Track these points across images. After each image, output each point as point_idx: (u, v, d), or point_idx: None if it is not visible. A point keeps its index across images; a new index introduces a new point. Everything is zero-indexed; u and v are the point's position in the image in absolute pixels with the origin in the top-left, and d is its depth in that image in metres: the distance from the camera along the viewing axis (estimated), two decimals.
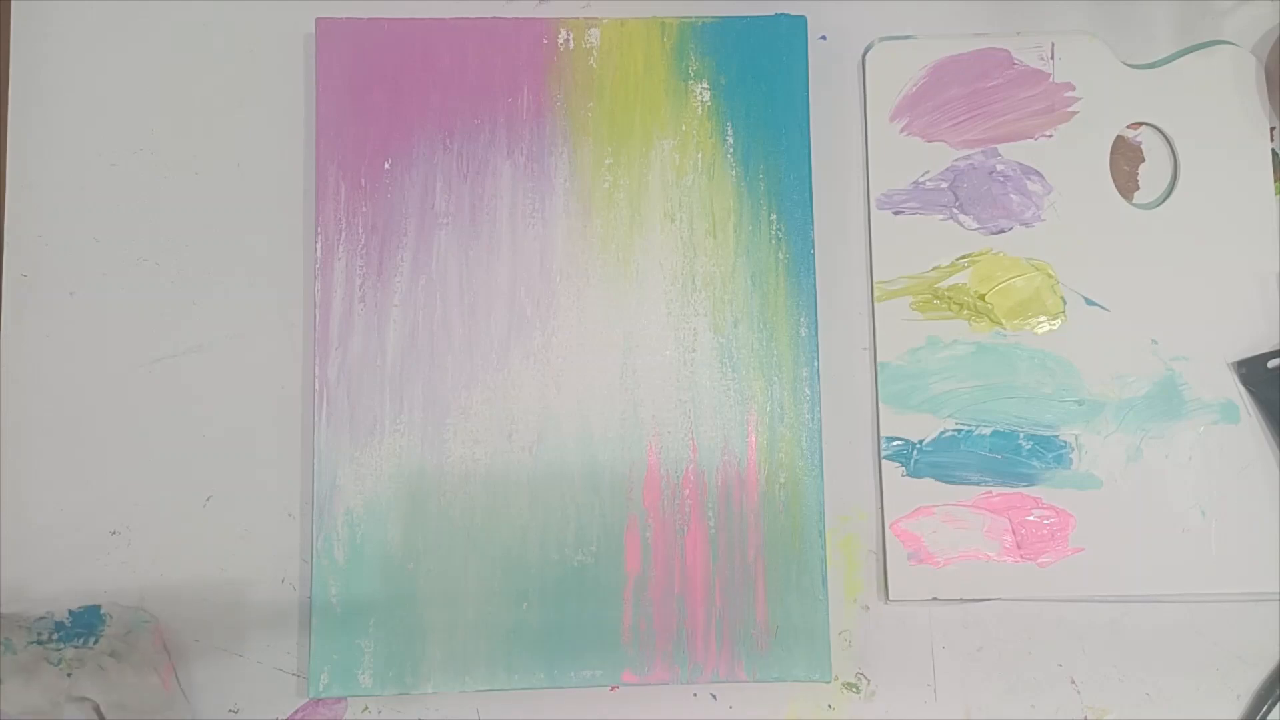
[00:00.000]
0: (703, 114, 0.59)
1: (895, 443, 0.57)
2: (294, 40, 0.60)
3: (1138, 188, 0.61)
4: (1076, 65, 0.60)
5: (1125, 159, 0.61)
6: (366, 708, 0.55)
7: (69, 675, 0.50)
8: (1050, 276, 0.59)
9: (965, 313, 0.58)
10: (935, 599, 0.57)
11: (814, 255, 0.58)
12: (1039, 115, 0.60)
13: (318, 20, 0.58)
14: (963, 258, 0.59)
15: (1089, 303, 0.59)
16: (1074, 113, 0.60)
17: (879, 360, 0.58)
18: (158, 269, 0.58)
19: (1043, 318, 0.59)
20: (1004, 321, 0.58)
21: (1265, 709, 0.56)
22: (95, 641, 0.51)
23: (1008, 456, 0.57)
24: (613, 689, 0.56)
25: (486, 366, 0.57)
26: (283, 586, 0.56)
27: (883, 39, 0.60)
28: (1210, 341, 0.58)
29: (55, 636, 0.51)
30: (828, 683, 0.55)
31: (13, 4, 0.60)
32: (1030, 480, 0.57)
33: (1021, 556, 0.56)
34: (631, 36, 0.59)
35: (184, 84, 0.59)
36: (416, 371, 0.56)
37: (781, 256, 0.58)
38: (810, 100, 0.59)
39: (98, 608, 0.52)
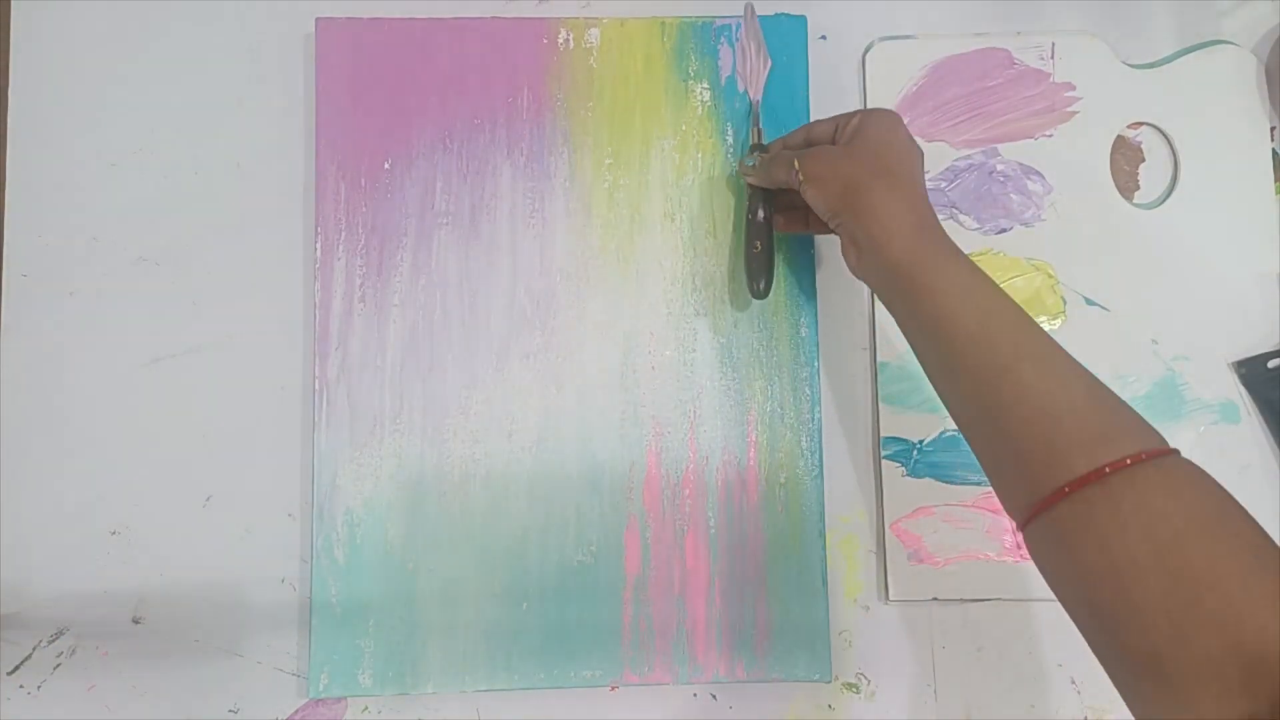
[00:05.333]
0: (703, 114, 0.59)
1: (895, 443, 0.57)
2: (294, 40, 0.60)
3: (1138, 188, 0.61)
4: (1077, 65, 0.60)
5: (1125, 159, 0.61)
6: (366, 708, 0.55)
7: None
8: (1050, 276, 0.59)
9: None
10: (935, 599, 0.57)
11: (814, 255, 0.58)
12: (1039, 115, 0.60)
13: (318, 20, 0.58)
14: None
15: (1089, 303, 0.59)
16: (1074, 113, 0.60)
17: (879, 360, 0.58)
18: (158, 269, 0.58)
19: (1043, 317, 0.58)
20: None
21: None
22: None
23: None
24: (613, 689, 0.56)
25: (486, 366, 0.57)
26: (283, 586, 0.56)
27: (883, 39, 0.60)
28: (1210, 341, 0.58)
29: None
30: (828, 683, 0.55)
31: (13, 4, 0.60)
32: None
33: (1021, 557, 0.56)
34: (631, 36, 0.59)
35: (184, 84, 0.59)
36: (416, 371, 0.56)
37: (781, 256, 0.57)
38: (810, 100, 0.59)
39: None
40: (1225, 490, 0.39)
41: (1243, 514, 0.38)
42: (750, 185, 0.55)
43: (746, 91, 0.58)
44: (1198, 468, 0.39)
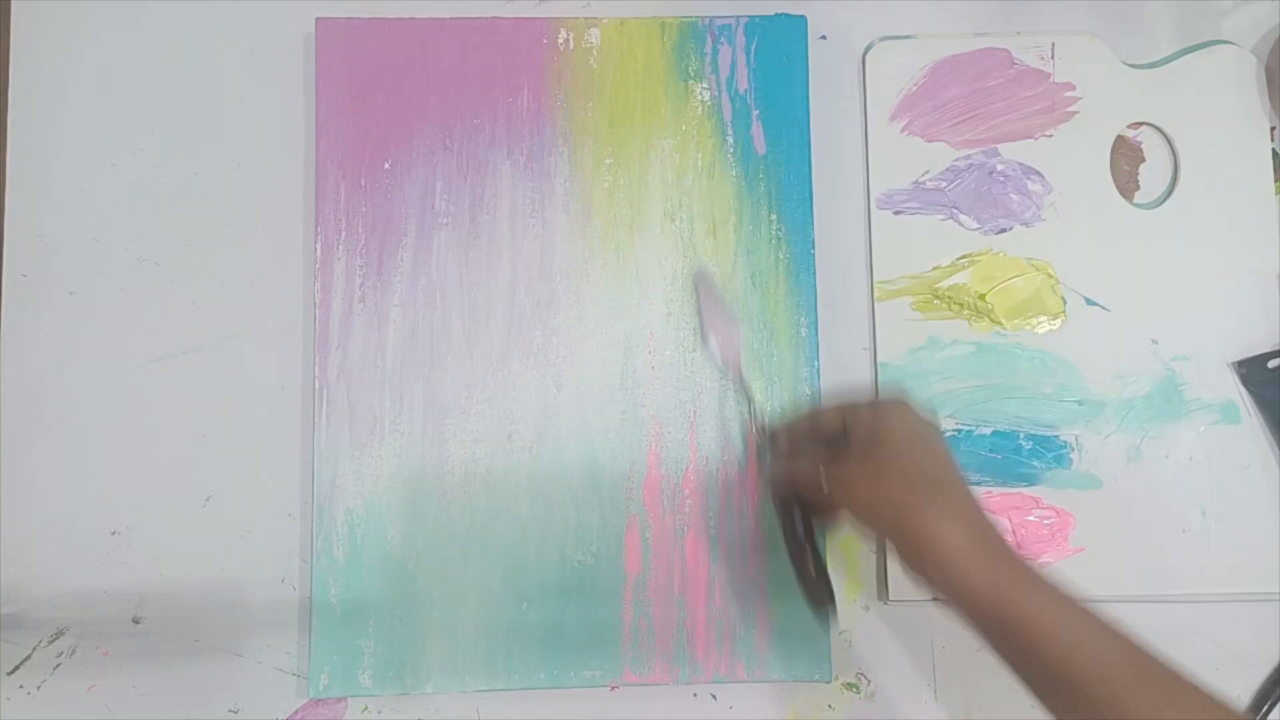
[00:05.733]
0: (703, 114, 0.59)
1: None
2: (294, 40, 0.60)
3: (1138, 188, 0.61)
4: (1077, 65, 0.60)
5: (1125, 159, 0.61)
6: (366, 708, 0.55)
7: None
8: (1050, 276, 0.59)
9: (965, 313, 0.58)
10: (935, 599, 0.56)
11: (814, 255, 0.58)
12: (1039, 115, 0.60)
13: (318, 20, 0.58)
14: (963, 258, 0.59)
15: (1089, 303, 0.59)
16: (1074, 113, 0.60)
17: (879, 360, 0.58)
18: (158, 269, 0.58)
19: (1043, 318, 0.59)
20: (1004, 321, 0.58)
21: (1265, 709, 0.56)
22: None
23: (1008, 456, 0.57)
24: (612, 689, 0.56)
25: (486, 366, 0.56)
26: (283, 586, 0.56)
27: (883, 39, 0.60)
28: (1210, 341, 0.58)
29: None
30: (828, 683, 0.55)
31: (13, 4, 0.60)
32: (1030, 480, 0.57)
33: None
34: (631, 36, 0.59)
35: (184, 84, 0.59)
36: (416, 371, 0.56)
37: (781, 256, 0.58)
38: (810, 100, 0.59)
39: None
40: None
41: None
42: (775, 494, 0.53)
43: (725, 372, 0.55)
44: None
